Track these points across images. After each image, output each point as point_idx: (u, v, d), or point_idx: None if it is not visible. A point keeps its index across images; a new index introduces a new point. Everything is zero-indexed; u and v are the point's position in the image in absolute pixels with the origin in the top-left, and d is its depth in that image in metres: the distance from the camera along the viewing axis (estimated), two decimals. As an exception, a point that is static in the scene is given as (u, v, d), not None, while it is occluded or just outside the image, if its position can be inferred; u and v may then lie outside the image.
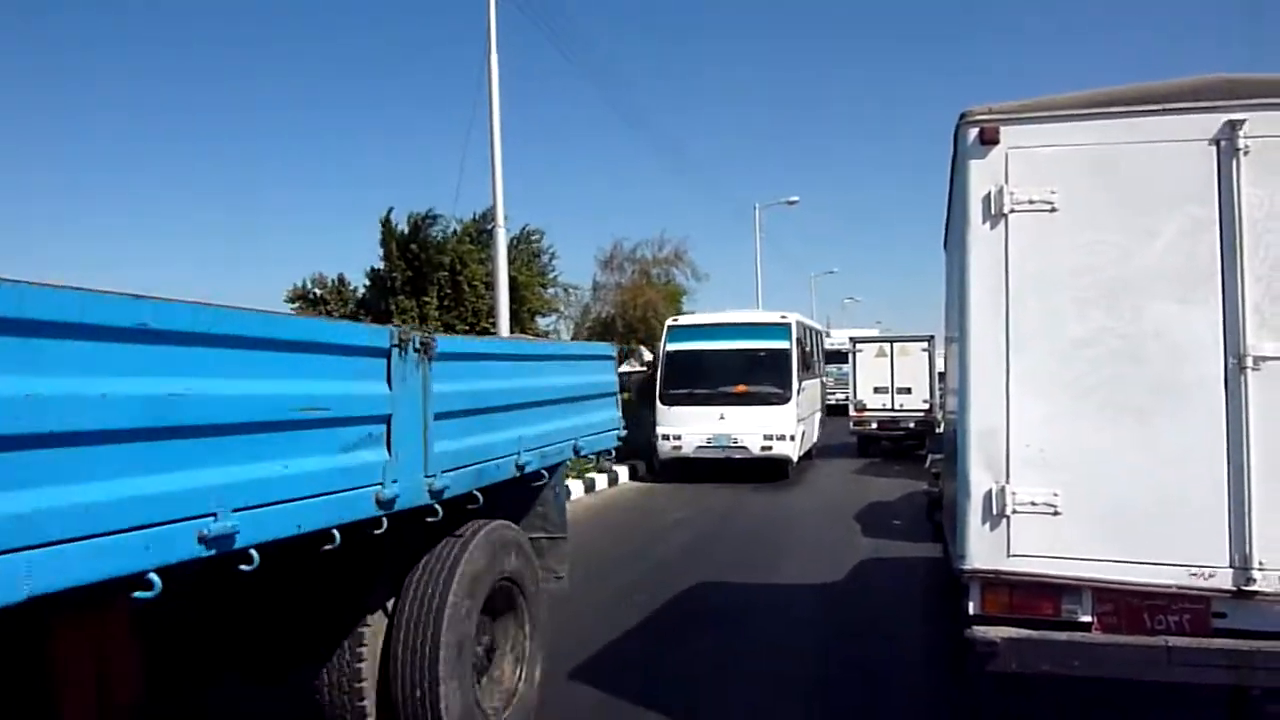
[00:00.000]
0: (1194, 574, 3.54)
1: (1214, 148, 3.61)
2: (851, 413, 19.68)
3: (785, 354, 15.36)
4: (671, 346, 15.97)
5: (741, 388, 15.11)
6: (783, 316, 16.24)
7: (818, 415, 19.10)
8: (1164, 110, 3.69)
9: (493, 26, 13.57)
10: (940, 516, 7.19)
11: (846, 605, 7.32)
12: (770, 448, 14.83)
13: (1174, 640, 3.57)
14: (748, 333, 15.96)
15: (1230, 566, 3.51)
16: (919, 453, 16.51)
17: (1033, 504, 3.70)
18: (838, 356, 29.38)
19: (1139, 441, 3.62)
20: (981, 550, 3.77)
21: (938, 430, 15.22)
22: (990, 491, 3.75)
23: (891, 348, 19.37)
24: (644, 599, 7.35)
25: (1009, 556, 3.73)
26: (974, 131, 3.84)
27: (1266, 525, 3.47)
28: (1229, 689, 3.66)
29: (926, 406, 18.45)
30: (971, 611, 3.85)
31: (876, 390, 19.10)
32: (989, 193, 3.80)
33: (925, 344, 18.77)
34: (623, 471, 16.00)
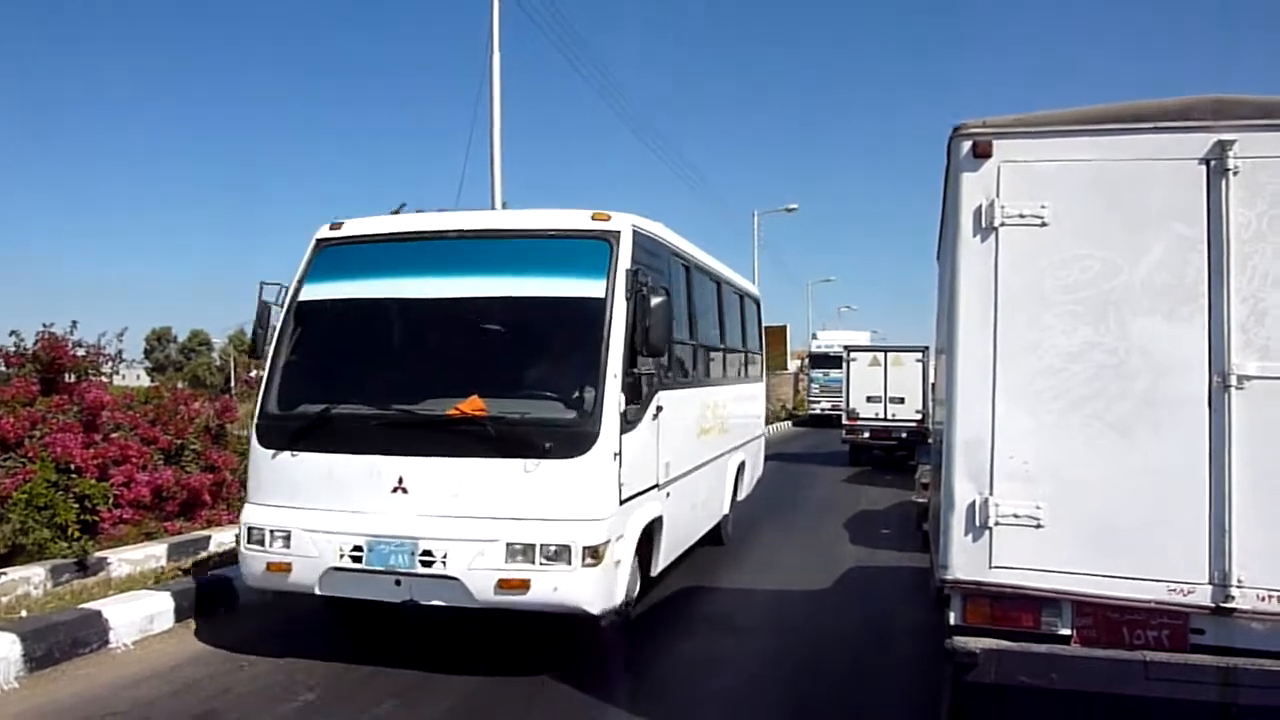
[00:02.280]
0: (1173, 590, 3.57)
1: (1204, 167, 3.64)
2: (844, 421, 19.72)
3: (593, 313, 5.47)
4: (309, 293, 6.05)
5: (470, 406, 5.31)
6: (598, 218, 5.73)
7: (737, 460, 9.51)
8: (1155, 129, 3.72)
9: (495, 31, 13.62)
10: (929, 526, 7.21)
11: (833, 611, 7.32)
12: (525, 582, 5.02)
13: (1151, 655, 3.59)
14: (503, 258, 5.87)
15: (1209, 583, 3.54)
16: (911, 463, 16.52)
17: (1015, 516, 3.72)
18: (828, 361, 29.43)
19: (1122, 456, 3.64)
20: (964, 561, 3.79)
21: (929, 440, 15.21)
22: (974, 503, 3.77)
23: (885, 357, 19.43)
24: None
25: (991, 568, 3.75)
26: (967, 144, 3.86)
27: (1246, 543, 3.50)
28: (1215, 706, 3.67)
29: (919, 417, 18.48)
30: (953, 622, 3.87)
31: (869, 399, 19.16)
32: (980, 206, 3.82)
33: (919, 355, 18.81)
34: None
